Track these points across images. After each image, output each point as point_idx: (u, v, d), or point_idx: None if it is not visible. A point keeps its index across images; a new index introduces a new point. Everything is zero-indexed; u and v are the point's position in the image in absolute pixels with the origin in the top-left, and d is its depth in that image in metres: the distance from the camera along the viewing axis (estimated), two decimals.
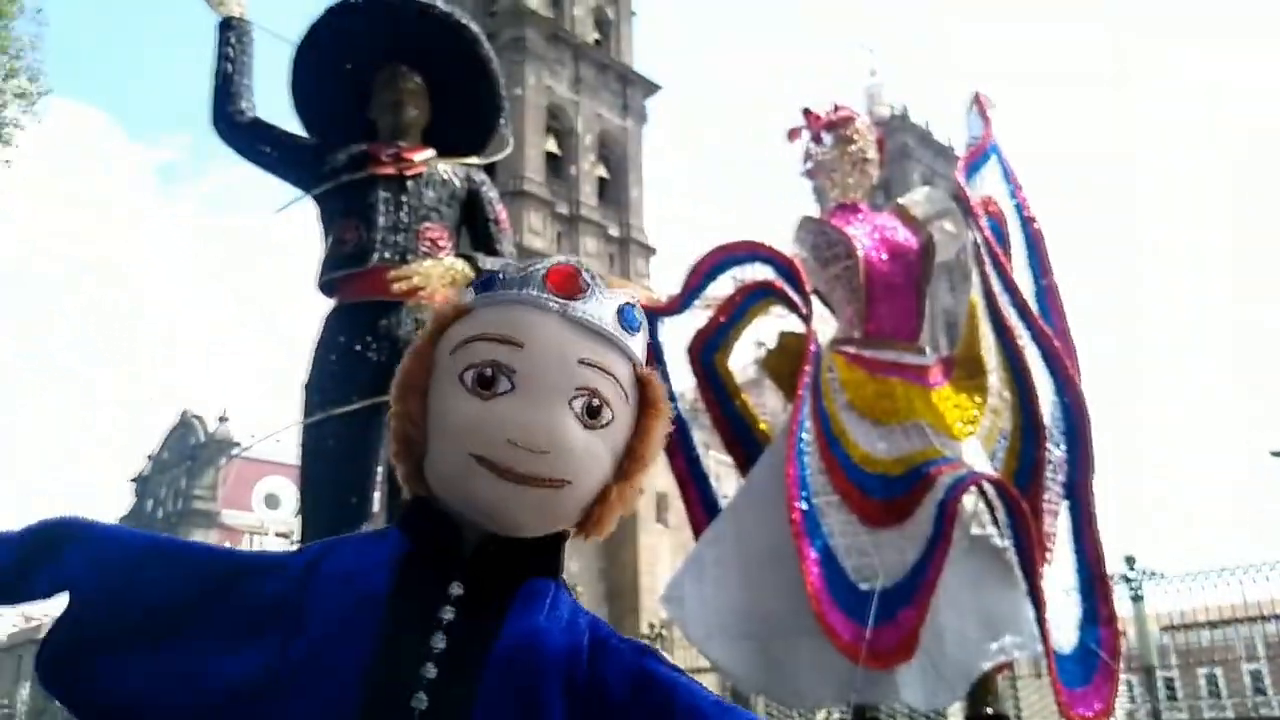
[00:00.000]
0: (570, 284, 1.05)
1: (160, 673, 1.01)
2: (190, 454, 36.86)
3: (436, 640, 1.00)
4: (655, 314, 4.33)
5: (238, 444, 34.51)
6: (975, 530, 4.07)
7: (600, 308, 1.06)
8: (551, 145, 29.01)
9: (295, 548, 1.19)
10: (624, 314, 1.07)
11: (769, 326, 4.58)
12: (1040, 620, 3.77)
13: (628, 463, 1.07)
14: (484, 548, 1.05)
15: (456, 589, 1.03)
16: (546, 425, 0.99)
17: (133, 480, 39.96)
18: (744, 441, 4.49)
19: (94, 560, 1.04)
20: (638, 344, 1.09)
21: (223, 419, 36.76)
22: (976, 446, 4.19)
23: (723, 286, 4.52)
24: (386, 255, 2.94)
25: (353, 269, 2.97)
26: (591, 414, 1.02)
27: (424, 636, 1.00)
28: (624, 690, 1.02)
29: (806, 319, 4.14)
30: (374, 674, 0.97)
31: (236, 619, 1.03)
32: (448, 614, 1.02)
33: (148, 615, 1.03)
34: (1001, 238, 4.27)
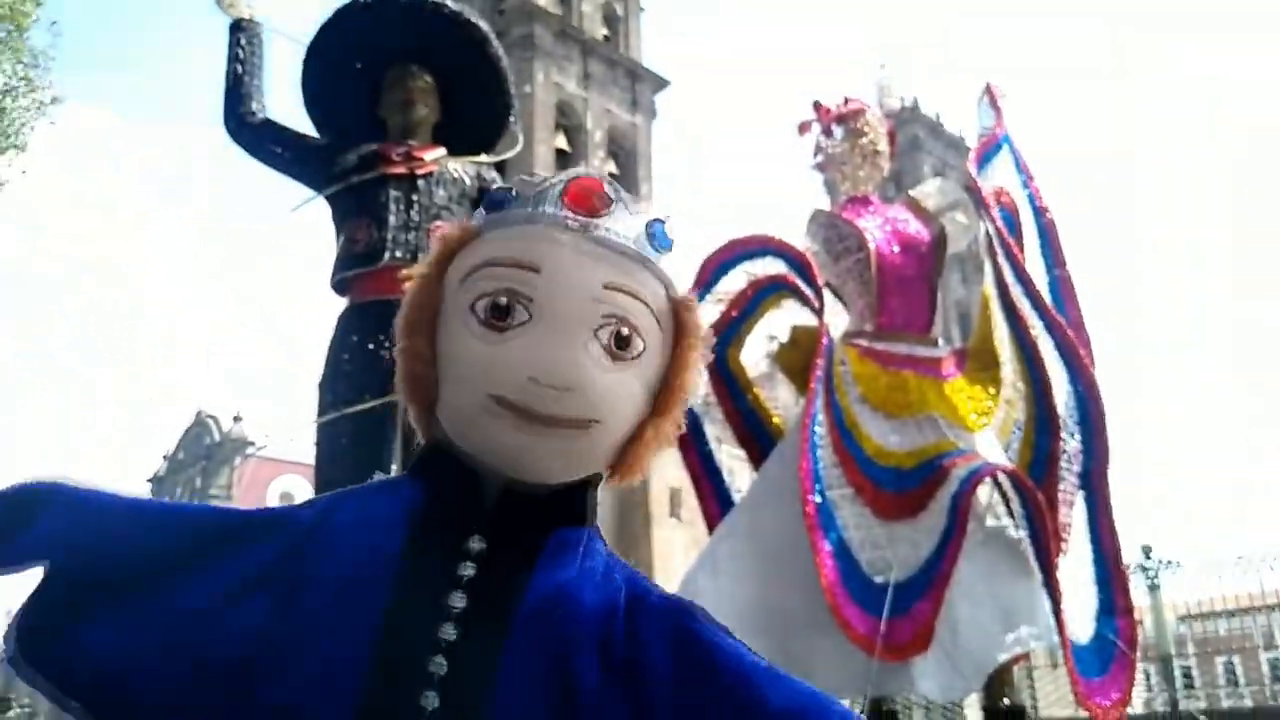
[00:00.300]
0: (592, 199, 0.95)
1: (148, 640, 0.91)
2: (206, 453, 37.07)
3: (455, 599, 0.90)
4: None
5: (252, 443, 34.68)
6: (990, 522, 4.06)
7: (627, 225, 0.96)
8: (561, 142, 29.02)
9: (302, 501, 1.08)
10: (654, 231, 0.97)
11: (781, 320, 4.58)
12: (1056, 611, 3.77)
13: (663, 396, 0.97)
14: (506, 497, 0.95)
15: (477, 543, 0.93)
16: (570, 359, 0.88)
17: (149, 480, 40.26)
18: (757, 436, 4.49)
19: (71, 524, 0.94)
20: (670, 265, 0.99)
21: (237, 419, 36.94)
22: (991, 438, 4.18)
23: (734, 281, 4.52)
24: (398, 254, 2.95)
25: (365, 268, 2.98)
26: (620, 344, 0.91)
27: (442, 594, 0.90)
28: (664, 651, 0.92)
29: (819, 312, 4.13)
30: (386, 635, 0.88)
31: (232, 579, 0.93)
32: (468, 570, 0.92)
33: (131, 580, 0.93)
34: (1014, 228, 4.25)
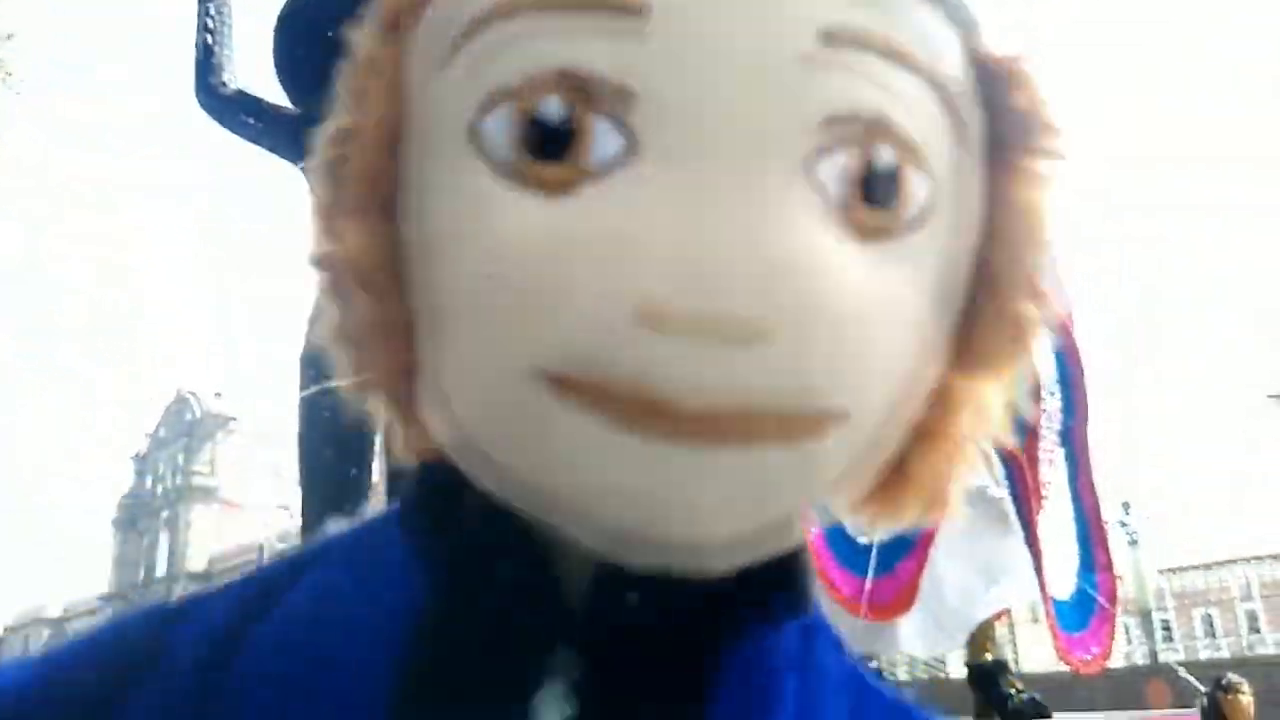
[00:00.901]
0: None
1: None
2: (187, 430, 36.94)
3: None
4: None
5: (233, 419, 34.56)
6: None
7: None
8: None
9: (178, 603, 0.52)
10: None
11: None
12: (1037, 567, 3.81)
13: (987, 303, 0.41)
14: (611, 583, 0.41)
15: (559, 710, 0.41)
16: (751, 244, 0.34)
17: (132, 458, 40.12)
18: None
19: None
20: None
21: (217, 394, 36.79)
22: None
23: None
24: None
25: None
26: (876, 194, 0.36)
27: None
28: None
29: None
30: None
31: None
32: None
33: None
34: None
